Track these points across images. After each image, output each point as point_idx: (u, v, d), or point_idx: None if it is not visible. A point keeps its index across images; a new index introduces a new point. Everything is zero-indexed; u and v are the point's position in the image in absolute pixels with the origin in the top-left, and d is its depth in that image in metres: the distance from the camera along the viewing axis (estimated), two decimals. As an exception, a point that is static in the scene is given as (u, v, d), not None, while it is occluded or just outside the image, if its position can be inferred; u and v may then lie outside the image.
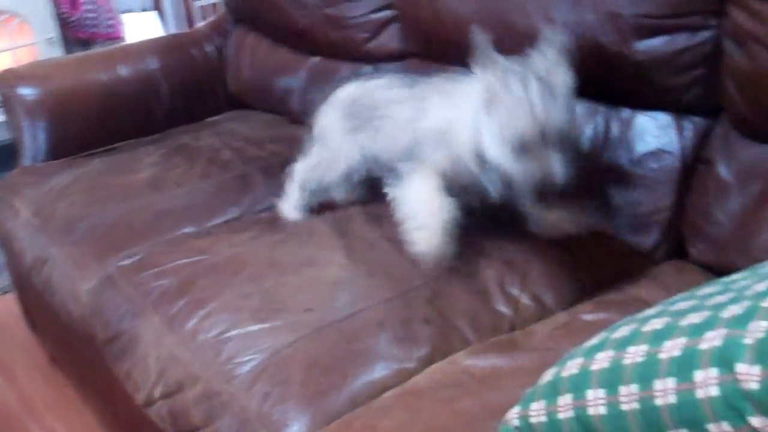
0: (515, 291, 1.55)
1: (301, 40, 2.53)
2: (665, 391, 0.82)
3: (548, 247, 1.65)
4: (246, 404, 1.36)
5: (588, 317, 1.45)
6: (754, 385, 0.74)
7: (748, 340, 0.77)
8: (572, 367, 0.95)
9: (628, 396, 0.85)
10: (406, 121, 1.65)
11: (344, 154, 1.79)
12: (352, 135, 1.78)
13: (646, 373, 0.85)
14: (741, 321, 0.80)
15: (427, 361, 1.40)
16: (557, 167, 1.37)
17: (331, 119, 1.84)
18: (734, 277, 1.00)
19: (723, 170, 1.55)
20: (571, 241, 1.66)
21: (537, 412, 0.95)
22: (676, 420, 0.81)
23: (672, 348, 0.84)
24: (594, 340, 0.97)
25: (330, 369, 1.37)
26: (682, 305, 0.93)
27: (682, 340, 0.84)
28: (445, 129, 1.55)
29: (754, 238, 1.49)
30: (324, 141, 1.85)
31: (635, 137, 1.69)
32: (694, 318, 0.87)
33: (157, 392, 1.54)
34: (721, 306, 0.86)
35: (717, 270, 1.53)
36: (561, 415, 0.92)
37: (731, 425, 0.76)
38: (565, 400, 0.92)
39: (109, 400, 1.93)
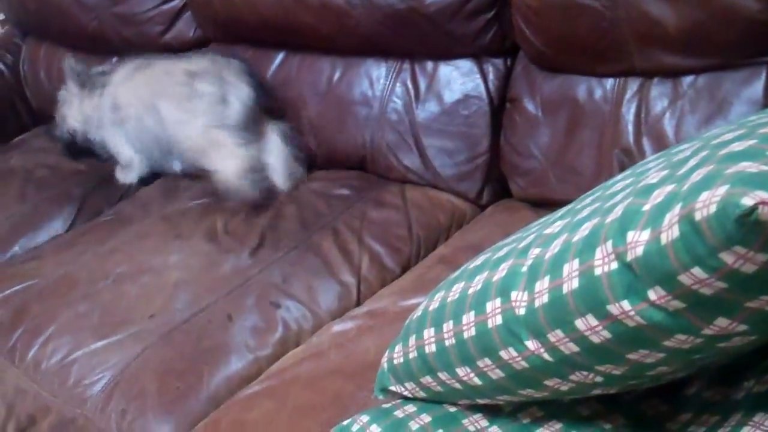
0: (356, 259, 1.57)
1: (95, 43, 2.44)
2: (468, 324, 0.86)
3: (380, 211, 1.68)
4: (103, 425, 1.33)
5: (431, 274, 1.48)
6: (522, 311, 0.79)
7: (524, 268, 0.81)
8: (419, 309, 0.99)
9: (448, 332, 0.89)
10: None
11: None
12: None
13: (458, 308, 0.89)
14: (525, 250, 0.84)
15: (282, 345, 1.41)
16: None
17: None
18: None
19: (530, 105, 1.60)
20: (402, 200, 1.70)
21: (397, 354, 0.99)
22: (478, 350, 0.85)
23: (478, 282, 0.88)
24: (441, 283, 1.00)
25: (184, 372, 1.35)
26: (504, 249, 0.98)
27: (485, 274, 0.88)
28: None
29: (567, 165, 1.55)
30: None
31: (442, 88, 1.72)
32: (502, 251, 0.90)
33: (10, 429, 1.48)
34: (522, 239, 0.91)
35: (541, 203, 1.60)
36: (410, 355, 0.96)
37: (515, 350, 0.81)
38: (412, 341, 0.96)
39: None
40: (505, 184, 1.69)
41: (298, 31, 1.86)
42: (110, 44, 2.39)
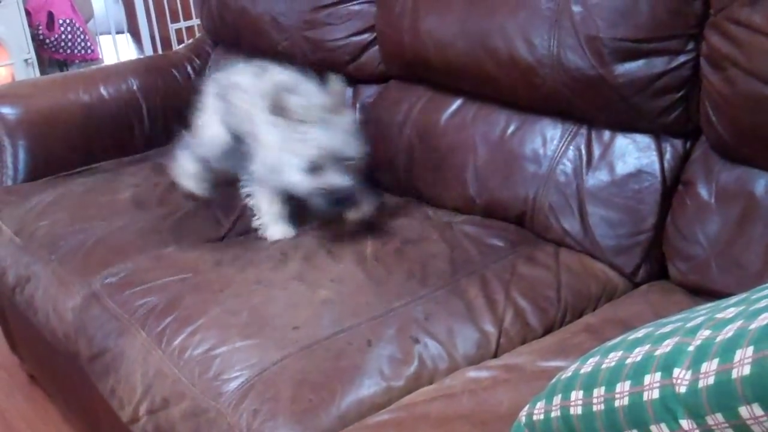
0: (500, 310, 1.57)
1: (281, 62, 2.54)
2: (622, 393, 0.85)
3: (531, 268, 1.69)
4: (234, 421, 1.36)
5: (575, 340, 1.47)
6: (683, 389, 0.78)
7: (691, 348, 0.80)
8: (569, 370, 0.99)
9: (598, 397, 0.89)
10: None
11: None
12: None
13: (613, 376, 0.88)
14: (693, 330, 0.83)
15: (415, 380, 1.42)
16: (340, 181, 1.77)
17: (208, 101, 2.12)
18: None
19: (703, 191, 1.58)
20: (555, 262, 1.70)
21: (539, 410, 0.99)
22: (628, 420, 0.84)
23: (638, 354, 0.87)
24: (596, 349, 1.00)
25: (319, 386, 1.38)
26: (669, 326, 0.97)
27: (646, 347, 0.87)
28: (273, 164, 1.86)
29: (733, 259, 1.52)
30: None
31: (616, 159, 1.72)
32: (667, 328, 0.90)
33: (143, 409, 1.55)
34: (689, 319, 0.90)
35: (698, 290, 1.57)
36: (553, 414, 0.96)
37: (668, 427, 0.79)
38: (557, 400, 0.96)
39: (92, 417, 1.92)
40: (663, 264, 1.67)
41: (481, 80, 1.89)
42: (295, 65, 2.49)
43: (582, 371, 0.95)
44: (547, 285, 1.65)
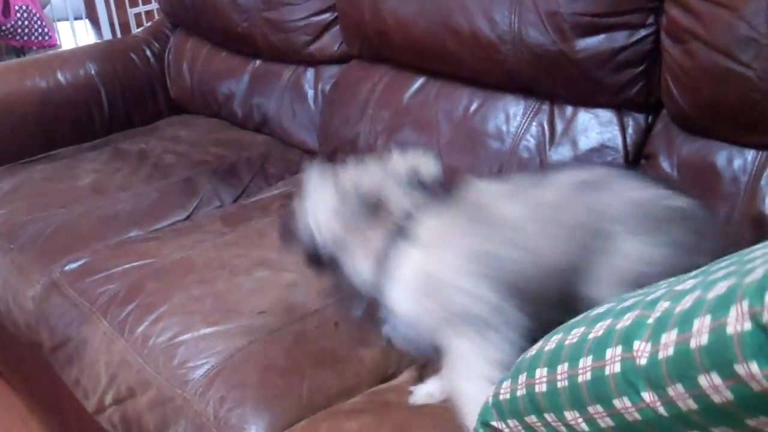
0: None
1: (241, 44, 2.52)
2: (585, 368, 0.85)
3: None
4: (201, 409, 1.35)
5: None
6: (643, 361, 0.78)
7: (650, 320, 0.80)
8: (533, 349, 0.99)
9: (562, 374, 0.89)
10: None
11: None
12: None
13: (576, 352, 0.88)
14: (653, 302, 0.83)
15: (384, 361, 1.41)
16: None
17: None
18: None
19: (665, 164, 1.58)
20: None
21: (504, 389, 0.99)
22: (591, 396, 0.84)
23: (599, 328, 0.87)
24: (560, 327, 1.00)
25: (286, 371, 1.37)
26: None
27: (608, 321, 0.87)
28: None
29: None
30: None
31: (578, 134, 1.71)
32: (628, 302, 0.90)
33: (108, 399, 1.53)
34: (650, 293, 0.90)
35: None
36: (518, 392, 0.96)
37: (630, 400, 0.79)
38: (522, 378, 0.96)
39: (58, 409, 1.90)
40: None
41: (443, 58, 1.88)
42: (255, 47, 2.47)
43: (546, 348, 0.95)
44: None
